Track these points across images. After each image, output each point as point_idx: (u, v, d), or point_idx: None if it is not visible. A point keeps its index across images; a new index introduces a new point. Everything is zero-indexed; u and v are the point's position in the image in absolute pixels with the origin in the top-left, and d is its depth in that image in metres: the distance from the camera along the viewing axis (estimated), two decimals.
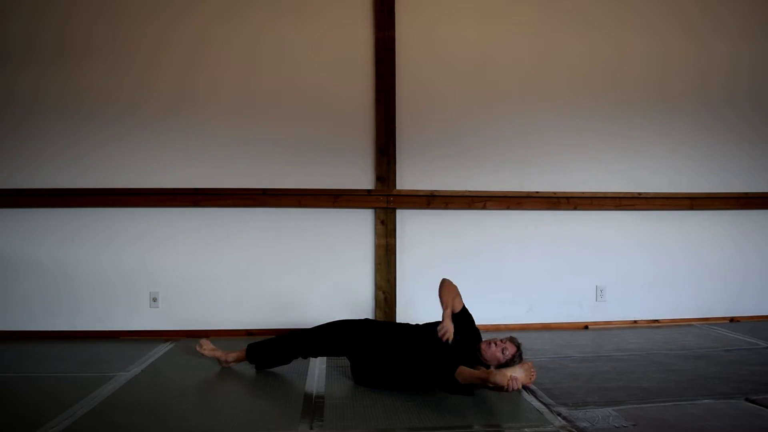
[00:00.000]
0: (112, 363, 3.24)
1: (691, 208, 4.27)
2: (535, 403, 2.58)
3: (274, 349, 3.06)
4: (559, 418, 2.40)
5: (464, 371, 2.47)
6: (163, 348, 3.63)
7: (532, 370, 2.43)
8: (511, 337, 2.84)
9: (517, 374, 2.36)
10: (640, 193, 4.22)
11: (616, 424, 2.29)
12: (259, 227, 4.02)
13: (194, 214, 3.95)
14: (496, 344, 2.77)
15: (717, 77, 4.34)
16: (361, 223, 4.05)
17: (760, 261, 4.39)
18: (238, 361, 3.13)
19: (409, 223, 4.08)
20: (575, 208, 4.18)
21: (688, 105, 4.31)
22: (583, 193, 4.17)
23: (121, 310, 3.92)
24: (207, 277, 3.95)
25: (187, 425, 2.36)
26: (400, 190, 4.03)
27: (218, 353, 3.16)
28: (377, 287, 4.03)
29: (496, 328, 4.12)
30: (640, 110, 4.27)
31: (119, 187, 3.89)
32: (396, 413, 2.48)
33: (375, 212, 4.04)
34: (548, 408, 2.51)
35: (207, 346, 3.19)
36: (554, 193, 4.14)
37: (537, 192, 4.13)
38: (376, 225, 4.03)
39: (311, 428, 2.31)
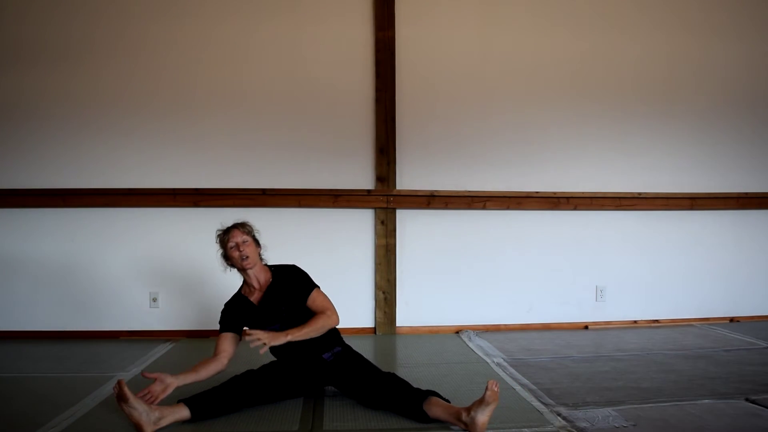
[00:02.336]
0: (112, 363, 3.24)
1: (691, 208, 4.27)
2: (535, 403, 2.57)
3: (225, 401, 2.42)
4: (559, 418, 2.40)
5: (438, 406, 2.29)
6: (163, 348, 3.63)
7: (495, 388, 2.17)
8: (237, 224, 2.68)
9: (486, 416, 2.16)
10: (640, 193, 4.22)
11: (616, 424, 2.29)
12: (258, 227, 3.98)
13: (194, 214, 3.95)
14: (236, 258, 2.61)
15: (717, 77, 4.34)
16: (361, 223, 4.05)
17: (760, 261, 4.39)
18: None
19: (409, 223, 4.08)
20: (575, 208, 4.18)
21: (688, 105, 4.32)
22: (583, 193, 4.17)
23: (121, 310, 3.92)
24: (207, 277, 3.95)
25: (186, 427, 2.36)
26: (400, 190, 4.03)
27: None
28: (377, 287, 4.03)
29: (496, 328, 4.12)
30: (640, 110, 4.27)
31: (119, 187, 3.90)
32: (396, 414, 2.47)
33: (375, 212, 4.04)
34: (548, 408, 2.51)
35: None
36: (554, 193, 4.14)
37: (537, 192, 4.13)
38: (376, 225, 4.03)
39: (312, 426, 2.31)
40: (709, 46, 4.33)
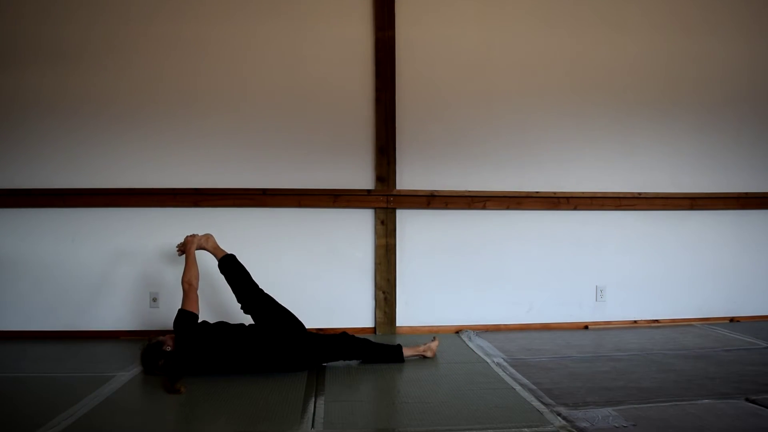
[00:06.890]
0: (112, 363, 3.24)
1: (691, 208, 4.27)
2: (535, 403, 2.57)
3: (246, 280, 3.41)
4: (559, 418, 2.40)
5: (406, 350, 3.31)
6: None
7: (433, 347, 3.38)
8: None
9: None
10: (640, 193, 4.22)
11: (616, 424, 2.29)
12: (259, 227, 4.02)
13: (194, 214, 3.95)
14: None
15: (717, 77, 4.33)
16: (361, 223, 4.05)
17: (761, 261, 4.38)
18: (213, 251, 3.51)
19: (409, 223, 4.08)
20: (575, 208, 4.18)
21: (688, 104, 4.31)
22: (583, 193, 4.17)
23: (121, 310, 3.92)
24: (206, 277, 3.94)
25: (187, 426, 2.36)
26: (400, 190, 4.03)
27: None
28: (377, 287, 4.03)
29: (496, 328, 4.12)
30: (640, 110, 4.27)
31: (119, 187, 3.89)
32: (396, 413, 2.48)
33: (375, 212, 4.04)
34: (548, 408, 2.51)
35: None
36: (554, 193, 4.14)
37: (537, 192, 4.13)
38: (376, 225, 4.03)
39: (312, 426, 2.31)
40: (710, 46, 4.33)
